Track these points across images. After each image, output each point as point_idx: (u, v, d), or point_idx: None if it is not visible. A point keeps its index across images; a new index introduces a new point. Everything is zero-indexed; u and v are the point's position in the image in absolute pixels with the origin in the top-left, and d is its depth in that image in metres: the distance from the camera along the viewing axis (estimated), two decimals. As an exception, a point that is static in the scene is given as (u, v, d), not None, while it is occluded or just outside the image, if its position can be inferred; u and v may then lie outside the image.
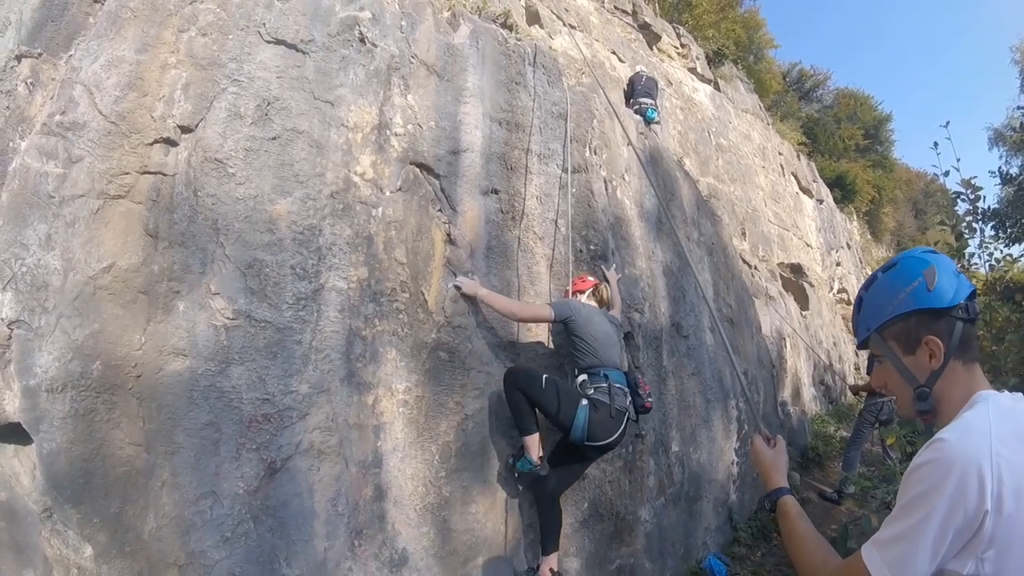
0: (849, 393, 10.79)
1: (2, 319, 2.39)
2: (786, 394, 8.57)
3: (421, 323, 3.24)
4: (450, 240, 3.50)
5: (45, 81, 2.93)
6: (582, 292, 3.66)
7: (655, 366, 4.30)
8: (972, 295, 1.24)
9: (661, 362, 4.37)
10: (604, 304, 3.69)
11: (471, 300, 3.41)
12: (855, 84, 50.80)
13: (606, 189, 4.33)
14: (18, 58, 2.90)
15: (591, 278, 3.75)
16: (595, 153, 4.34)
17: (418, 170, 3.49)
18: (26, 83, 2.89)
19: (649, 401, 3.39)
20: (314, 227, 3.05)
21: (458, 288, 3.38)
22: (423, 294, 3.29)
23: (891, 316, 1.27)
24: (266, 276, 2.87)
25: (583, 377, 3.34)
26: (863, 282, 1.39)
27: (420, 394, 3.16)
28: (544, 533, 3.28)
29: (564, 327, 3.44)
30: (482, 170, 3.74)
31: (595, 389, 3.26)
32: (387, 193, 3.32)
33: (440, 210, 3.53)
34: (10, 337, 2.38)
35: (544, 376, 3.22)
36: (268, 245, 2.92)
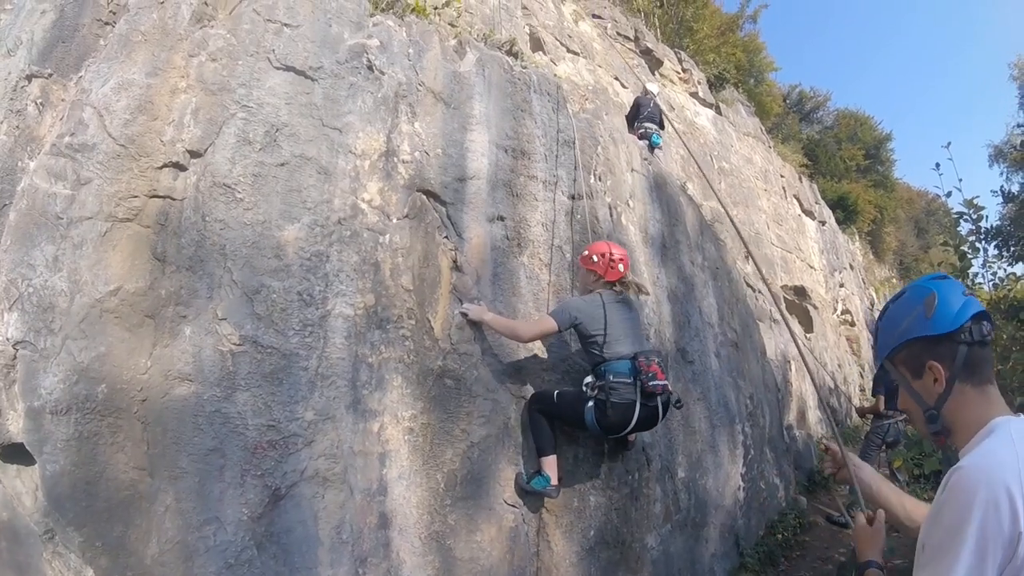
0: (855, 415, 10.71)
1: (7, 339, 2.40)
2: (792, 417, 8.52)
3: (427, 350, 3.24)
4: (456, 267, 3.51)
5: (55, 102, 2.97)
6: (597, 278, 3.51)
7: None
8: (979, 316, 1.26)
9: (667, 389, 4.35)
10: (625, 302, 3.54)
11: (477, 326, 3.42)
12: (855, 104, 51.22)
13: (611, 215, 4.35)
14: (28, 78, 2.94)
15: (621, 266, 3.49)
16: (600, 179, 4.37)
17: (425, 197, 3.52)
18: (36, 103, 2.93)
19: (652, 384, 3.21)
20: (321, 253, 3.06)
21: (465, 315, 3.39)
22: (429, 321, 3.29)
23: (896, 344, 1.34)
24: (273, 302, 2.88)
25: (588, 379, 3.34)
26: (897, 293, 1.46)
27: (426, 421, 3.15)
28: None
29: (574, 330, 3.39)
30: (488, 197, 3.76)
31: (598, 389, 3.24)
32: (394, 220, 3.34)
33: (446, 237, 3.54)
34: (15, 357, 2.38)
35: (555, 392, 3.40)
36: (275, 271, 2.93)
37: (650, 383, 3.21)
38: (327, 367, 2.92)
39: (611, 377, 3.23)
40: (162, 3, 3.24)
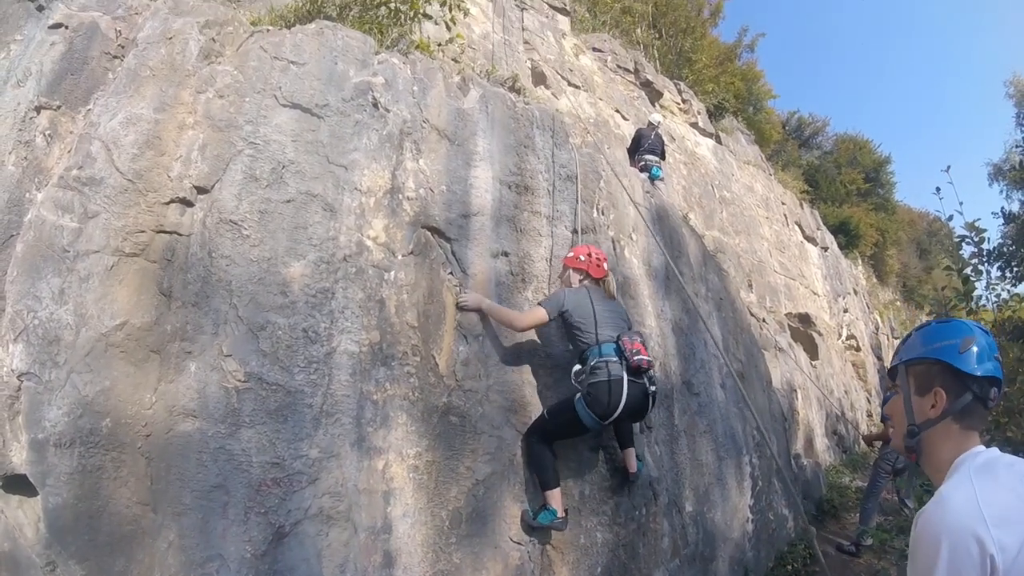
0: (863, 442, 10.60)
1: (12, 370, 2.41)
2: (799, 446, 8.42)
3: (432, 387, 3.23)
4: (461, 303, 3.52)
5: (63, 134, 3.01)
6: (578, 272, 3.67)
7: (667, 425, 4.25)
8: (995, 381, 1.35)
9: (673, 421, 4.32)
10: (609, 296, 3.70)
11: (482, 362, 3.41)
12: (854, 129, 51.62)
13: (614, 249, 4.37)
14: (37, 109, 2.99)
15: (605, 265, 3.72)
16: (603, 213, 4.39)
17: (429, 233, 3.54)
18: (44, 135, 2.97)
19: (637, 359, 3.31)
20: (327, 290, 3.07)
21: (463, 306, 3.45)
22: (434, 358, 3.29)
23: (920, 355, 1.42)
24: (278, 339, 2.88)
25: (576, 367, 3.45)
26: (919, 324, 1.55)
27: (431, 459, 3.12)
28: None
29: (561, 319, 3.51)
30: (492, 233, 3.79)
31: (585, 375, 3.35)
32: (399, 257, 3.36)
33: (451, 273, 3.56)
34: (19, 389, 2.39)
35: (544, 412, 3.45)
36: (281, 308, 2.94)
37: (635, 358, 3.32)
38: (332, 404, 2.91)
39: (594, 360, 3.34)
40: (170, 39, 3.31)
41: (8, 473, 2.35)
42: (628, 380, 3.29)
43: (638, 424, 3.85)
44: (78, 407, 2.41)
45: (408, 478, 3.03)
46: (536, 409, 3.57)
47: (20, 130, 2.90)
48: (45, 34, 3.18)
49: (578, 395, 3.33)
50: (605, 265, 3.71)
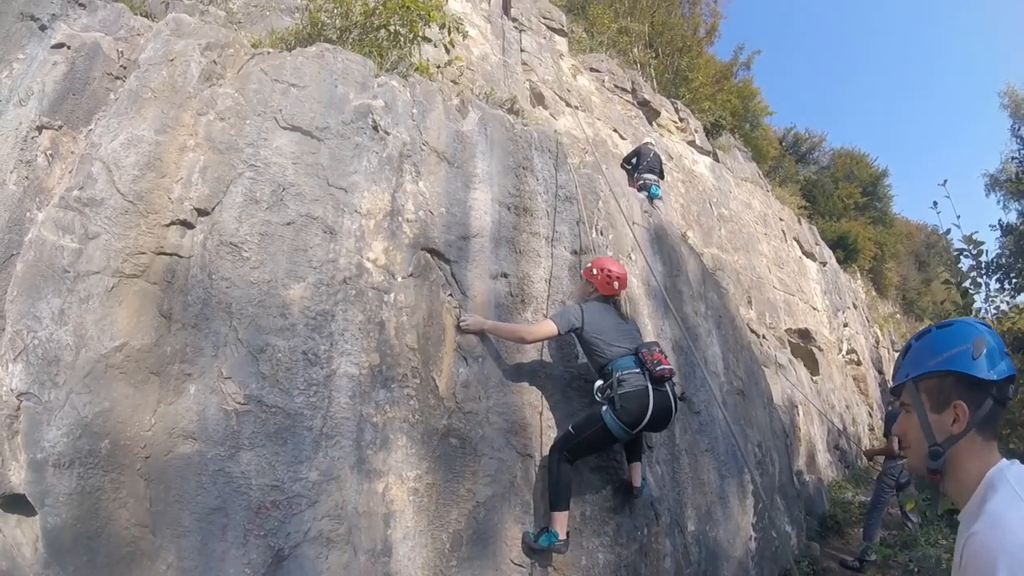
0: (865, 457, 10.55)
1: (12, 390, 2.42)
2: (801, 463, 8.38)
3: (432, 409, 3.23)
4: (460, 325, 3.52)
5: (64, 153, 3.04)
6: (593, 289, 3.70)
7: (668, 445, 4.23)
8: (1010, 379, 1.25)
9: (674, 440, 4.30)
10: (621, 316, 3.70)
11: (482, 385, 3.41)
12: (850, 143, 51.98)
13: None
14: (39, 129, 3.01)
15: (616, 284, 3.68)
16: (601, 234, 4.41)
17: (429, 255, 3.56)
18: (46, 154, 2.99)
19: (660, 369, 3.35)
20: (327, 312, 3.08)
21: (465, 328, 3.46)
22: (434, 379, 3.29)
23: (930, 369, 1.29)
24: (278, 361, 2.89)
25: (599, 382, 3.45)
26: (918, 332, 1.41)
27: (431, 481, 3.11)
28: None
29: (574, 335, 3.53)
30: (491, 254, 3.80)
31: (609, 388, 3.36)
32: (399, 279, 3.37)
33: (450, 295, 3.57)
34: (19, 408, 2.40)
35: (569, 427, 3.40)
36: (281, 330, 2.95)
37: (657, 368, 3.34)
38: (331, 427, 2.91)
39: (619, 373, 3.35)
40: (172, 61, 3.36)
41: (7, 492, 2.36)
42: (653, 389, 3.33)
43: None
44: (77, 428, 2.42)
45: (408, 500, 3.02)
46: (537, 432, 3.56)
47: (22, 149, 2.92)
48: (47, 54, 3.22)
49: (604, 407, 3.34)
50: (616, 284, 3.68)
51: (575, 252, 4.13)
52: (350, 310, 3.14)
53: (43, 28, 3.27)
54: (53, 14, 3.32)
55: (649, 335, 4.27)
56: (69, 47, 3.27)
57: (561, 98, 6.93)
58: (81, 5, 3.48)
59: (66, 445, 2.37)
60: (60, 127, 3.08)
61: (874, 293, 22.26)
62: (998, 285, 4.99)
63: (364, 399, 3.03)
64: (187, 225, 2.98)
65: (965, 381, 1.24)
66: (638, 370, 3.37)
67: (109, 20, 3.56)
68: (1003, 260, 5.17)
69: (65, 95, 3.15)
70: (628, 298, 4.26)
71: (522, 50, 7.10)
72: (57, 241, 2.69)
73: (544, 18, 8.46)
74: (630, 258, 4.58)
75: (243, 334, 2.87)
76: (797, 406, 8.85)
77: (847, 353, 14.55)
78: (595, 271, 3.70)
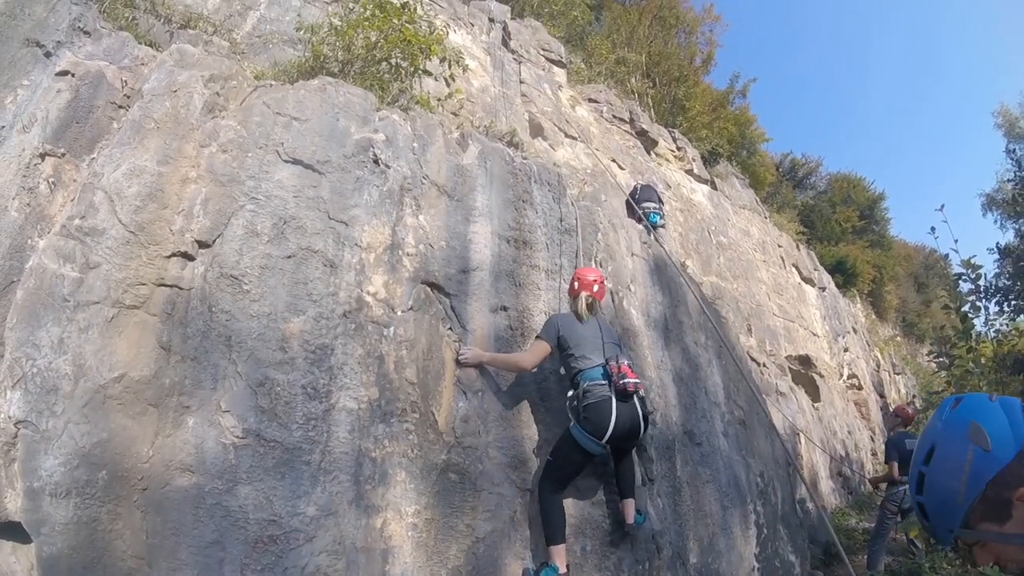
0: (869, 484, 10.47)
1: (9, 417, 2.42)
2: (804, 491, 8.30)
3: (431, 444, 3.21)
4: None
5: (67, 181, 3.04)
6: (574, 293, 3.78)
7: (669, 477, 4.19)
8: None
9: (675, 472, 4.27)
10: (591, 311, 3.75)
11: (482, 419, 3.39)
12: (847, 167, 52.38)
13: (612, 301, 4.39)
14: (42, 156, 3.00)
15: (575, 283, 3.80)
16: (601, 265, 4.43)
17: (429, 289, 3.57)
18: (48, 182, 2.98)
19: (623, 383, 3.35)
20: (326, 346, 3.08)
21: (464, 361, 3.46)
22: (433, 414, 3.27)
23: (967, 507, 1.08)
24: (277, 395, 2.89)
25: (569, 393, 3.48)
26: (916, 453, 1.19)
27: (430, 517, 3.08)
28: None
29: (558, 345, 3.56)
30: (491, 288, 3.81)
31: (576, 399, 3.39)
32: (399, 313, 3.38)
33: (450, 328, 3.57)
34: (16, 436, 2.40)
35: (548, 459, 3.40)
36: (280, 363, 2.95)
37: (621, 381, 3.35)
38: (330, 462, 2.90)
39: (585, 384, 3.39)
40: (175, 92, 3.39)
41: (3, 520, 2.34)
42: (616, 403, 3.33)
43: (639, 475, 3.81)
44: (75, 458, 2.41)
45: (407, 536, 2.99)
46: (534, 465, 3.54)
47: (24, 176, 2.92)
48: (52, 81, 3.23)
49: (572, 423, 3.36)
50: (576, 284, 3.78)
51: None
52: (350, 344, 3.14)
53: (48, 55, 3.29)
54: (58, 41, 3.34)
55: (649, 367, 4.26)
56: (73, 75, 3.30)
57: (560, 129, 7.01)
58: (86, 33, 3.50)
59: (63, 475, 2.37)
60: (63, 155, 3.09)
61: (874, 316, 22.24)
62: (997, 308, 5.00)
63: (363, 433, 3.02)
64: (188, 257, 3.00)
65: (1005, 475, 1.05)
66: (604, 382, 3.39)
67: (114, 49, 3.58)
68: (1002, 282, 5.20)
69: (69, 123, 3.16)
70: (627, 330, 4.27)
71: (521, 82, 7.20)
72: (58, 270, 2.71)
73: (543, 50, 8.61)
74: (629, 289, 4.59)
75: (242, 367, 2.87)
76: (799, 434, 8.79)
77: (848, 378, 14.50)
78: (575, 284, 3.81)
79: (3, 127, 2.99)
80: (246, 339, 2.92)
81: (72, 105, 3.21)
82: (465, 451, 3.29)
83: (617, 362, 3.45)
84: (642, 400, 3.48)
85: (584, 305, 3.71)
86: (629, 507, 3.64)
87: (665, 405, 4.42)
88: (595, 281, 3.79)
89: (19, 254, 2.74)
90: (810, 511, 7.98)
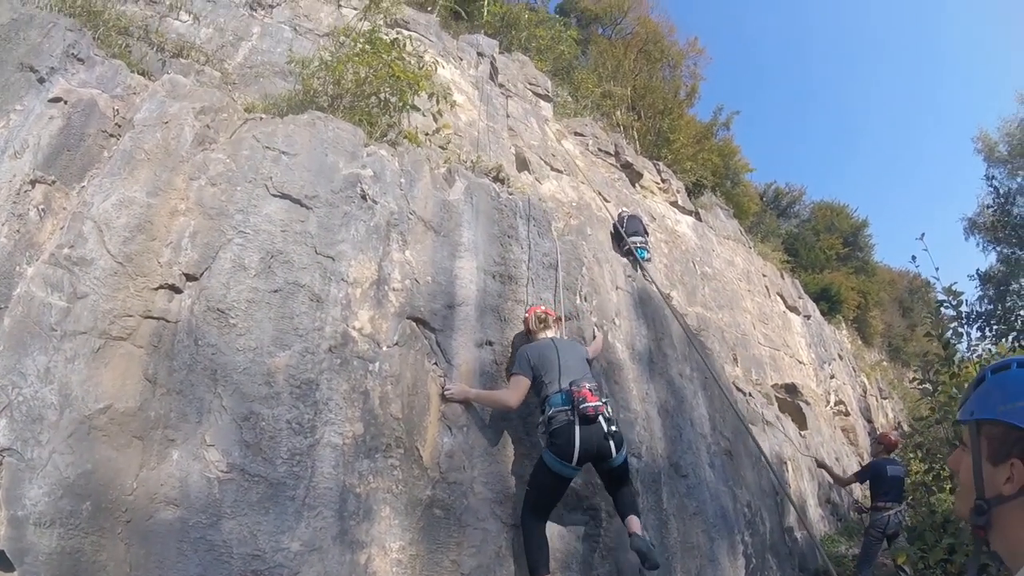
0: (860, 505, 10.45)
1: None
2: (792, 519, 8.28)
3: (416, 479, 3.20)
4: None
5: (56, 209, 3.02)
6: (530, 331, 3.83)
7: (655, 510, 4.19)
8: None
9: (661, 505, 4.27)
10: (549, 327, 3.81)
11: (467, 455, 3.40)
12: (830, 195, 53.07)
13: (596, 335, 4.42)
14: (32, 183, 2.98)
15: (528, 312, 3.89)
16: (585, 300, 4.48)
17: (415, 324, 3.60)
18: (38, 209, 2.96)
19: (583, 407, 3.38)
20: (311, 381, 3.09)
21: (449, 397, 3.48)
22: (418, 449, 3.27)
23: (997, 416, 1.10)
24: (262, 429, 2.88)
25: (539, 418, 3.54)
26: (995, 362, 1.22)
27: (415, 552, 3.06)
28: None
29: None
30: (477, 323, 3.84)
31: (544, 425, 3.46)
32: (384, 348, 3.39)
33: (436, 363, 3.59)
34: (0, 464, 2.37)
35: (527, 489, 3.43)
36: (265, 398, 2.95)
37: (581, 406, 3.38)
38: (314, 497, 2.89)
39: (550, 410, 3.44)
40: (166, 123, 3.42)
41: None
42: (580, 426, 3.36)
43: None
44: (59, 488, 2.40)
45: (391, 572, 2.98)
46: (519, 500, 3.53)
47: (14, 202, 2.90)
48: (44, 107, 3.22)
49: (544, 448, 3.40)
50: (525, 315, 3.88)
51: (560, 319, 4.17)
52: (335, 379, 3.15)
53: (41, 80, 3.28)
54: (52, 67, 3.33)
55: (634, 399, 4.29)
56: (66, 102, 3.29)
57: (546, 162, 7.11)
58: (80, 60, 3.50)
59: (48, 504, 2.35)
60: (53, 182, 3.06)
61: (860, 342, 22.37)
62: (979, 333, 5.10)
63: (347, 469, 3.01)
64: (175, 290, 3.01)
65: None
66: (567, 407, 3.42)
67: (106, 77, 3.58)
68: (983, 307, 5.30)
69: (60, 150, 3.15)
70: (612, 364, 4.30)
71: (508, 115, 7.32)
72: (45, 298, 2.70)
73: (530, 84, 8.77)
74: (614, 323, 4.64)
75: (228, 401, 2.87)
76: (786, 462, 8.80)
77: (835, 404, 14.55)
78: (530, 324, 3.86)
79: (-5, 151, 2.97)
80: (232, 373, 2.92)
81: (64, 132, 3.21)
82: (450, 486, 3.28)
83: (578, 385, 3.48)
84: (608, 420, 3.51)
85: (537, 321, 3.79)
86: (633, 521, 3.64)
87: (651, 438, 4.43)
88: (541, 309, 3.90)
89: (7, 281, 2.72)
90: (798, 539, 7.96)
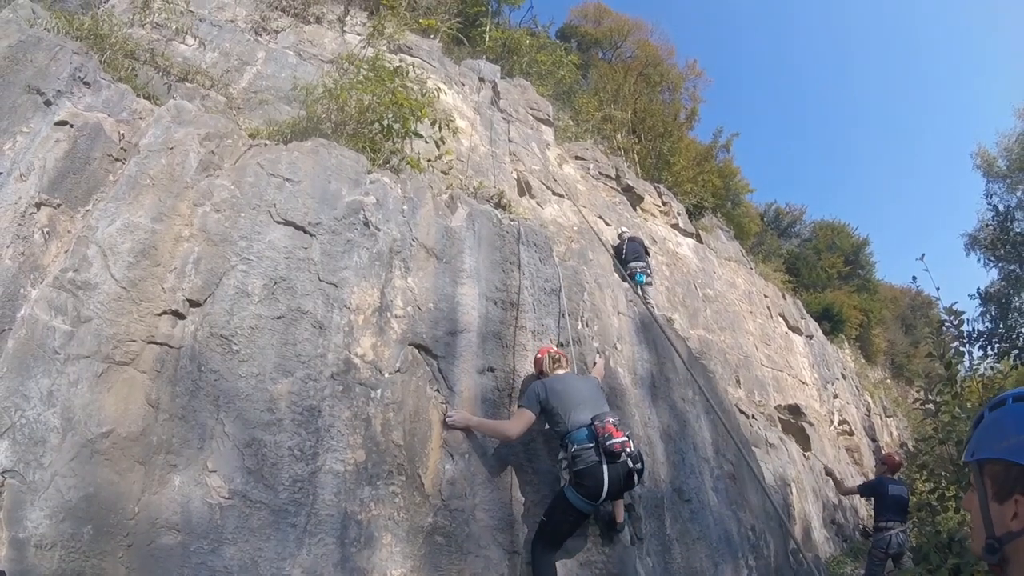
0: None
1: None
2: (795, 542, 8.18)
3: (418, 506, 3.20)
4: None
5: (61, 232, 3.04)
6: (542, 372, 3.79)
7: (658, 536, 4.16)
8: None
9: (664, 531, 4.23)
10: (562, 367, 3.79)
11: (469, 482, 3.39)
12: (830, 214, 53.12)
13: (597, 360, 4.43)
14: (38, 205, 3.00)
15: (540, 353, 3.87)
16: (587, 325, 4.49)
17: (417, 351, 3.61)
18: (43, 231, 2.98)
19: (610, 444, 3.33)
20: (314, 408, 3.10)
21: (451, 423, 3.47)
22: (420, 476, 3.27)
23: (995, 456, 1.11)
24: (264, 456, 2.89)
25: (560, 454, 3.49)
26: (992, 399, 1.22)
27: (416, 580, 3.05)
28: None
29: (541, 408, 3.55)
30: (479, 349, 3.85)
31: (566, 461, 3.40)
32: (386, 375, 3.41)
33: (437, 390, 3.59)
34: (2, 485, 2.38)
35: (541, 516, 3.42)
36: (268, 424, 2.96)
37: (607, 443, 3.33)
38: (316, 524, 2.88)
39: (574, 447, 3.38)
40: (171, 149, 3.45)
41: None
42: (607, 466, 3.33)
43: (629, 535, 3.80)
44: (61, 511, 2.40)
45: (392, 600, 2.96)
46: (523, 528, 3.52)
47: (20, 225, 2.92)
48: (50, 130, 3.25)
49: (566, 485, 3.36)
50: (538, 356, 3.87)
51: (561, 344, 4.19)
52: (337, 406, 3.16)
53: (48, 103, 3.31)
54: (59, 90, 3.37)
55: (637, 424, 4.28)
56: (72, 125, 3.32)
57: (547, 187, 7.16)
58: (86, 84, 3.54)
59: (49, 527, 2.36)
60: (58, 205, 3.09)
61: (863, 360, 22.24)
62: (981, 352, 5.09)
63: (349, 496, 3.01)
64: (179, 315, 3.03)
65: None
66: (591, 445, 3.38)
67: (112, 101, 3.62)
68: (984, 326, 5.31)
69: (65, 174, 3.17)
70: (614, 389, 4.30)
71: (510, 140, 7.39)
72: (49, 321, 2.72)
73: (531, 109, 8.86)
74: (616, 348, 4.64)
75: (230, 427, 2.87)
76: (790, 484, 8.73)
77: (839, 424, 14.44)
78: (543, 365, 3.84)
79: (1, 173, 2.99)
80: (234, 399, 2.94)
81: (69, 156, 3.23)
82: (452, 514, 3.27)
83: (602, 421, 3.44)
84: (631, 456, 3.47)
85: (551, 362, 3.77)
86: (619, 507, 3.66)
87: (653, 463, 4.42)
88: (554, 350, 3.88)
89: (11, 303, 2.74)
90: (803, 561, 7.86)
